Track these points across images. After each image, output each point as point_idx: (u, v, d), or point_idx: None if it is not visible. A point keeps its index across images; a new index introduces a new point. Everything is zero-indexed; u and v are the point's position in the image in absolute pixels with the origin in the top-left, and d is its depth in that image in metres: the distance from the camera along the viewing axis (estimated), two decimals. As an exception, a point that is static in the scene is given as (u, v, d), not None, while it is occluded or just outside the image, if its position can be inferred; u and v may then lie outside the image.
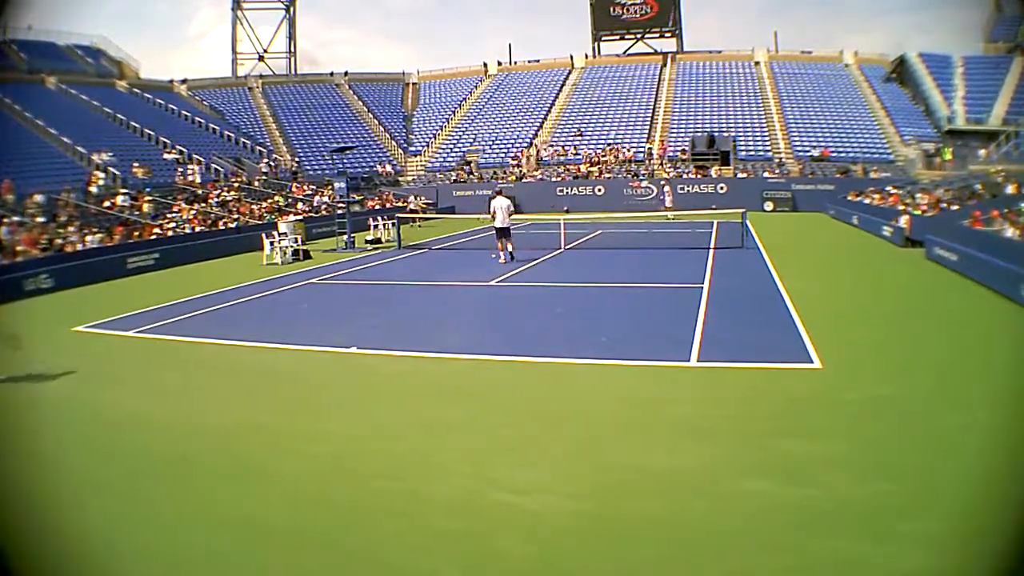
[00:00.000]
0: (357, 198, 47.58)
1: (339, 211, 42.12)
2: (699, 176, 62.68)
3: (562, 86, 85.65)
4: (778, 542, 8.02)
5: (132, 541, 8.63)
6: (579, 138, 73.94)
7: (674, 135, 71.24)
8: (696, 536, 8.24)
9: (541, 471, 10.09)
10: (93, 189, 46.10)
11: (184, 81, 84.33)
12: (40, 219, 37.42)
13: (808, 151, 65.18)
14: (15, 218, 36.38)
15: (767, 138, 68.99)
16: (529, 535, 8.38)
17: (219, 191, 52.71)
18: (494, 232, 32.94)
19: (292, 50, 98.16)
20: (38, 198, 40.42)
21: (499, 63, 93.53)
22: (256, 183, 59.03)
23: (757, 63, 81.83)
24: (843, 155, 63.60)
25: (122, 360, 17.75)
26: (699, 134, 67.60)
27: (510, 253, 32.41)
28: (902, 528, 8.12)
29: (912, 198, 40.33)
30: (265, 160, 66.57)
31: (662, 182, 59.57)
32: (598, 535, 8.34)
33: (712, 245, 35.02)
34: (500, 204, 32.42)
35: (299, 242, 38.09)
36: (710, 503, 8.91)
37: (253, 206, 51.02)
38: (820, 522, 8.32)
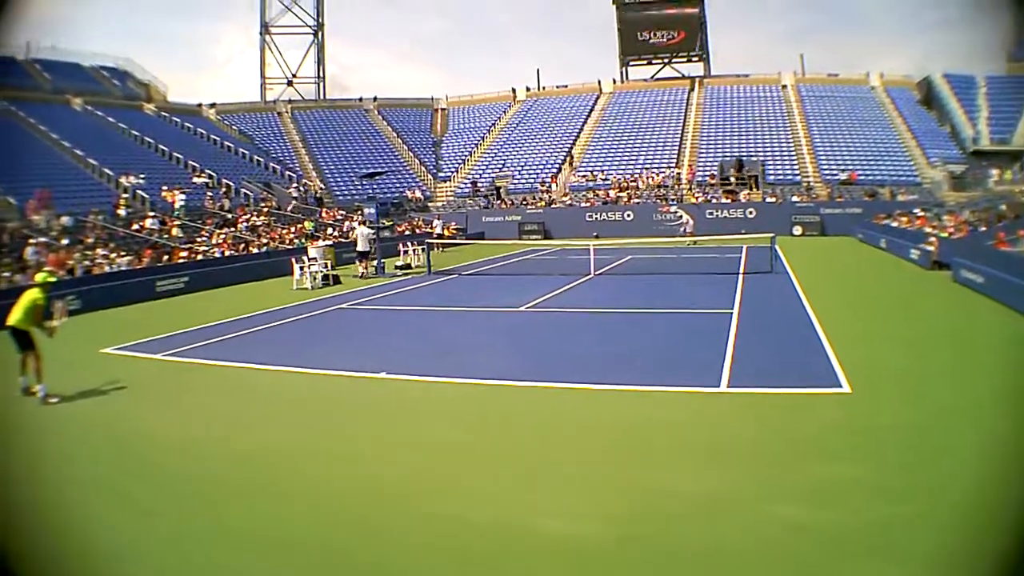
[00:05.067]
0: (387, 223, 47.73)
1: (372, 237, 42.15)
2: (728, 201, 62.30)
3: (591, 111, 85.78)
4: (807, 566, 7.93)
5: (152, 559, 8.59)
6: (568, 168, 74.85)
7: (703, 160, 71.00)
8: (726, 560, 8.08)
9: (573, 496, 9.91)
10: (121, 212, 46.25)
11: (213, 105, 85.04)
12: (65, 240, 37.56)
13: (836, 174, 64.92)
14: (41, 239, 36.52)
15: (795, 162, 68.72)
16: (563, 559, 8.24)
17: (248, 215, 52.74)
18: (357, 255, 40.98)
19: (321, 75, 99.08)
20: (64, 220, 40.58)
21: (527, 89, 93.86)
22: (289, 208, 59.20)
23: (784, 86, 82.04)
24: (870, 178, 63.27)
25: (149, 382, 17.58)
26: (727, 158, 67.68)
27: (373, 269, 40.53)
28: (931, 552, 7.98)
29: (939, 220, 40.15)
30: (294, 185, 66.75)
31: (678, 211, 59.34)
32: (631, 559, 8.18)
33: (742, 270, 34.75)
34: (361, 232, 41.14)
35: (329, 267, 38.12)
36: (738, 527, 8.75)
37: (283, 231, 51.07)
38: (849, 546, 8.20)
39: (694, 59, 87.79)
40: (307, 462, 11.56)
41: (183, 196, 52.59)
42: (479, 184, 74.49)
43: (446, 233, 59.95)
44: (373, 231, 41.31)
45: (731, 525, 8.84)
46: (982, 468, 10.20)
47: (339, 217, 59.82)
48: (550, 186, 71.91)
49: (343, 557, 8.50)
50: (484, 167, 79.31)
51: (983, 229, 33.66)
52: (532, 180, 74.15)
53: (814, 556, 8.06)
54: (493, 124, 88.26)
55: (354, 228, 42.47)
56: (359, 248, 40.44)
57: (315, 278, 36.03)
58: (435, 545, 8.69)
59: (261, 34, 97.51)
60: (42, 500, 10.18)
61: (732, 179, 64.63)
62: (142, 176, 53.58)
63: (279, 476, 11.03)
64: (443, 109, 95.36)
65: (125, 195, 49.95)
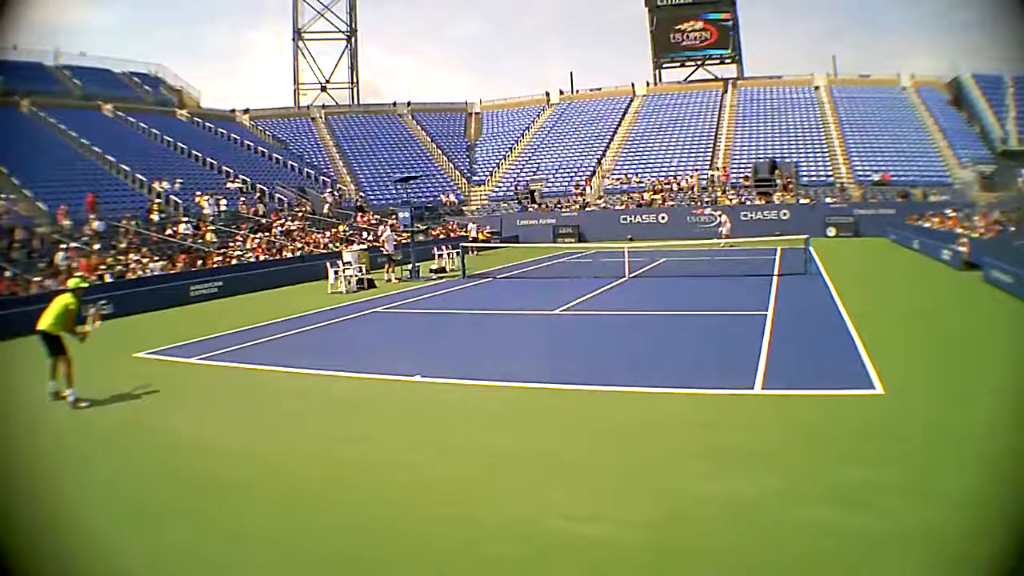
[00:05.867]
0: (421, 227, 47.81)
1: (403, 240, 42.16)
2: (763, 203, 61.99)
3: (624, 114, 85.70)
4: (837, 570, 7.89)
5: (178, 565, 8.60)
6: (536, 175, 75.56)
7: (737, 161, 70.73)
8: (755, 564, 8.05)
9: (600, 499, 9.87)
10: (155, 217, 46.48)
11: (246, 111, 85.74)
12: (97, 246, 37.74)
13: (869, 175, 64.42)
14: (73, 244, 36.68)
15: (828, 163, 68.34)
16: (586, 562, 8.21)
17: (283, 220, 52.92)
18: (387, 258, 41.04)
19: (354, 80, 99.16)
20: (97, 225, 40.75)
21: (561, 92, 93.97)
22: (327, 211, 59.57)
23: (817, 87, 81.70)
24: (903, 179, 62.78)
25: (183, 386, 17.63)
26: (761, 160, 67.26)
27: (408, 272, 40.57)
28: (964, 554, 7.88)
29: (970, 221, 39.88)
30: (329, 190, 66.87)
31: (719, 212, 59.03)
32: (656, 563, 8.18)
33: (776, 272, 34.54)
34: (389, 236, 42.24)
35: (364, 271, 38.18)
36: (769, 531, 8.69)
37: (317, 235, 51.20)
38: (881, 550, 8.13)
39: (727, 61, 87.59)
40: (331, 467, 11.57)
41: (226, 201, 53.18)
42: (519, 187, 74.23)
43: (480, 236, 59.98)
44: (406, 235, 41.57)
45: (762, 529, 8.75)
46: (1017, 472, 10.09)
47: (373, 222, 59.82)
48: (584, 189, 71.89)
49: (358, 562, 8.51)
50: (518, 170, 79.22)
51: (1012, 229, 33.42)
52: (566, 183, 74.10)
53: (844, 560, 8.02)
54: (527, 127, 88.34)
55: (385, 232, 42.60)
56: (388, 250, 41.20)
57: (350, 282, 36.09)
58: (463, 550, 8.66)
59: (294, 40, 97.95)
60: (59, 505, 10.27)
61: (778, 181, 63.95)
62: (179, 181, 53.87)
63: (301, 481, 11.02)
64: (477, 113, 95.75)
65: (158, 200, 50.14)
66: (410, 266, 40.55)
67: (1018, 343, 18.96)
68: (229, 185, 58.64)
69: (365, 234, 54.98)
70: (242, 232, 47.42)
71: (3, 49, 53.17)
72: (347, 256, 39.29)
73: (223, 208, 52.15)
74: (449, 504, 9.90)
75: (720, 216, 55.86)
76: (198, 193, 52.82)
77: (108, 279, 33.37)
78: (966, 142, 66.16)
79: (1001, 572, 7.03)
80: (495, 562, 8.36)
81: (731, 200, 63.34)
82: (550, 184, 74.78)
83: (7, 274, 30.87)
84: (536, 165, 79.14)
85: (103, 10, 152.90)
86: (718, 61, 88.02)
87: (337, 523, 9.48)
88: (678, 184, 67.97)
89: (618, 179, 72.12)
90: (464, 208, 75.11)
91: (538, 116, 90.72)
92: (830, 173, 66.62)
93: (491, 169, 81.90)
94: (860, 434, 11.95)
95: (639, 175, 71.76)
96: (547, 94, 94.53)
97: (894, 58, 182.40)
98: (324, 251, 46.67)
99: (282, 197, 60.15)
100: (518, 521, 9.28)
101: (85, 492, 10.96)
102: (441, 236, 58.16)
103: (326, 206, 61.03)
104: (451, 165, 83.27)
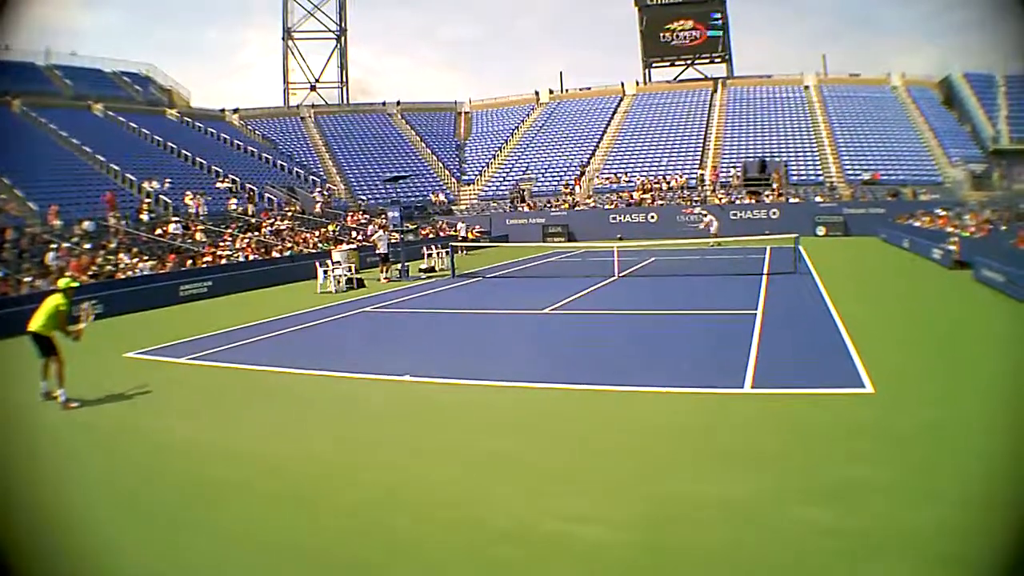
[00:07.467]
0: (411, 227, 47.80)
1: (392, 240, 42.11)
2: (752, 202, 62.06)
3: (614, 113, 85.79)
4: (831, 570, 7.85)
5: (169, 565, 8.55)
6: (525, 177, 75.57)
7: (726, 161, 70.82)
8: (748, 565, 7.98)
9: (594, 500, 9.80)
10: (144, 216, 46.41)
11: (236, 110, 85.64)
12: (87, 246, 37.66)
13: (859, 175, 64.60)
14: (64, 244, 36.61)
15: (818, 162, 68.54)
16: (582, 564, 8.13)
17: (272, 220, 52.86)
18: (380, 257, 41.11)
19: (344, 79, 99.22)
20: (86, 225, 40.71)
21: (551, 91, 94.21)
22: (318, 209, 59.76)
23: (807, 87, 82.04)
24: (893, 178, 62.99)
25: (173, 386, 17.55)
26: (751, 159, 67.45)
27: (398, 272, 40.61)
28: (955, 553, 7.88)
29: (960, 220, 39.94)
30: (319, 189, 66.83)
31: (704, 212, 58.99)
32: (651, 565, 8.10)
33: (765, 271, 34.49)
34: (381, 236, 42.18)
35: (353, 271, 38.14)
36: (763, 531, 8.63)
37: (307, 235, 51.17)
38: (873, 549, 8.10)
39: (717, 60, 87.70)
40: (323, 467, 11.51)
41: (235, 201, 53.40)
42: (520, 187, 74.22)
43: (470, 236, 59.96)
44: (398, 233, 41.57)
45: (757, 530, 8.71)
46: (1008, 470, 10.09)
47: (363, 221, 59.78)
48: (574, 188, 71.88)
49: (352, 565, 8.48)
50: (508, 170, 79.30)
51: (1003, 228, 33.48)
52: (556, 182, 74.17)
53: (836, 560, 7.97)
54: (516, 127, 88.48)
55: (377, 232, 42.79)
56: (381, 251, 40.92)
57: (339, 282, 36.06)
58: (459, 553, 8.62)
59: (284, 39, 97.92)
60: (51, 504, 10.23)
61: (774, 182, 64.04)
62: (168, 181, 53.87)
63: (293, 482, 10.96)
64: (466, 112, 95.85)
65: (148, 200, 50.08)
66: (399, 266, 40.49)
67: (1009, 342, 18.97)
68: (218, 185, 58.55)
69: (354, 233, 54.93)
70: (231, 231, 47.32)
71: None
72: (336, 256, 39.30)
73: (231, 207, 52.24)
74: (445, 506, 9.84)
75: (705, 216, 55.71)
76: (188, 193, 52.68)
77: (90, 278, 33.30)
78: (957, 141, 66.39)
79: (998, 571, 7.05)
80: (494, 564, 8.32)
81: (720, 199, 63.33)
82: (539, 184, 74.79)
83: (-3, 274, 30.83)
84: (526, 164, 79.15)
85: (94, 10, 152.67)
86: (708, 60, 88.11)
87: (332, 524, 9.43)
88: (668, 183, 67.97)
89: (607, 178, 72.17)
90: (453, 207, 75.10)
91: (528, 115, 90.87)
92: (820, 172, 66.84)
93: (480, 169, 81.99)
94: (851, 433, 11.92)
95: (628, 174, 71.91)
96: (537, 93, 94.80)
97: (888, 57, 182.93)
98: (314, 251, 46.61)
99: (271, 197, 60.12)
100: (514, 523, 9.23)
101: (77, 492, 10.91)
102: (430, 235, 58.19)
103: (317, 205, 61.03)
104: (440, 164, 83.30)
